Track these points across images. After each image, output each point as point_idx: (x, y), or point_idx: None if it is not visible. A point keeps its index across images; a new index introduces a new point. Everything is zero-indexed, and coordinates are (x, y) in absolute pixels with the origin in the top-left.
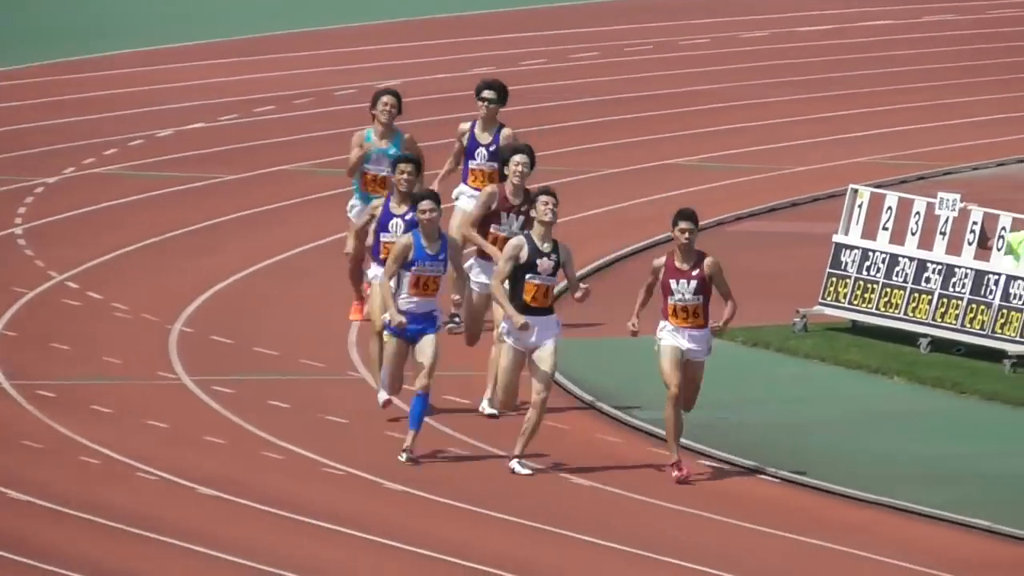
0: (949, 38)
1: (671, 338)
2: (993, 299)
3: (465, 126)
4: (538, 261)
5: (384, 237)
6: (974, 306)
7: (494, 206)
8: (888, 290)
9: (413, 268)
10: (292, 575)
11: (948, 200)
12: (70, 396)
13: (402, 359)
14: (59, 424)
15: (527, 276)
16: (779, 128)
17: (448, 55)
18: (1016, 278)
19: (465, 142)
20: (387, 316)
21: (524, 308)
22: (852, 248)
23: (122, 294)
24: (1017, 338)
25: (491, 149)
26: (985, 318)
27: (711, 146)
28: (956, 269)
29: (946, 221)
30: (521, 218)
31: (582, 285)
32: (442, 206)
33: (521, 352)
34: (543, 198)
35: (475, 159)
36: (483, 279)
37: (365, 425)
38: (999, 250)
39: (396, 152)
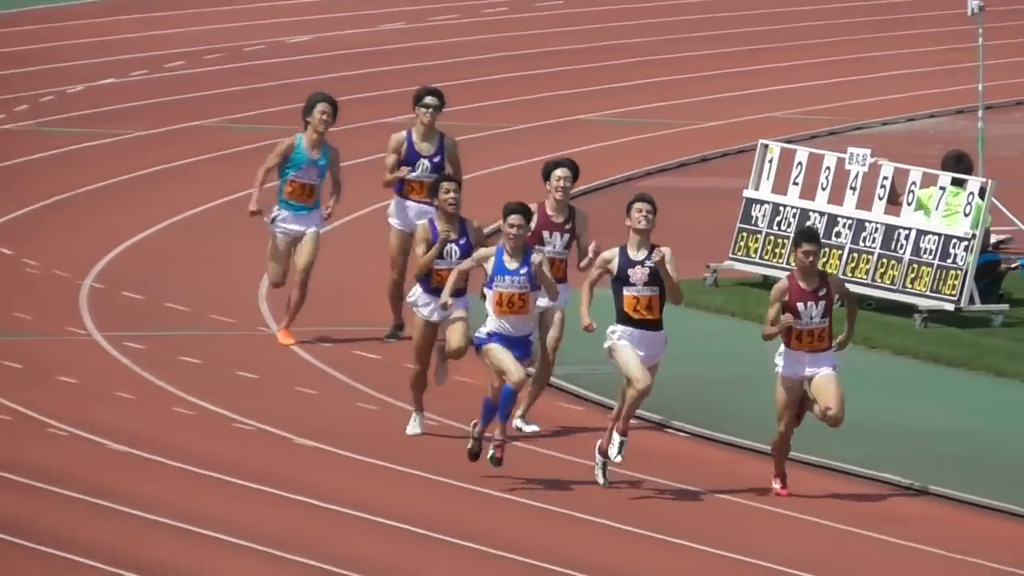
0: None
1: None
2: (904, 254)
3: (400, 136)
4: (630, 271)
5: (439, 265)
6: (885, 261)
7: (533, 224)
8: None
9: (493, 284)
10: (200, 530)
11: (858, 155)
12: None
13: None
14: None
15: (623, 289)
16: (689, 83)
17: (358, 10)
18: (926, 233)
19: (403, 153)
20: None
21: (628, 322)
22: (762, 203)
23: (33, 250)
24: (928, 293)
25: (435, 160)
26: (896, 273)
27: (620, 102)
28: (867, 224)
29: (856, 176)
30: (566, 236)
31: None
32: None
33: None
34: (638, 205)
35: (415, 171)
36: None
37: (275, 381)
38: (909, 205)
39: (326, 164)
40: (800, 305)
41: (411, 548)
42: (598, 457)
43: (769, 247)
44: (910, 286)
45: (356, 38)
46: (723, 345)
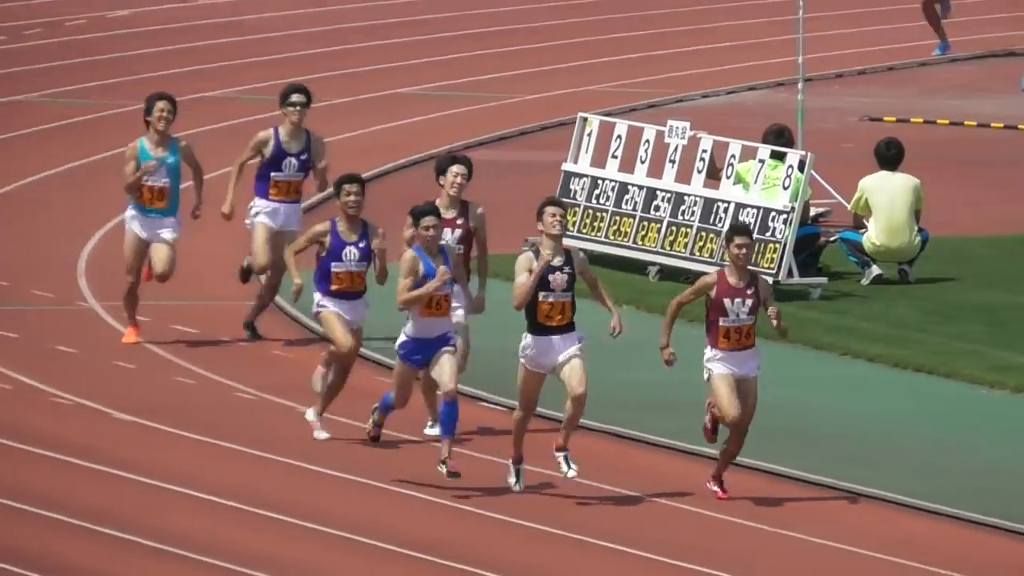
0: None
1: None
2: (723, 227)
3: (266, 134)
4: (550, 276)
5: (336, 267)
6: (703, 234)
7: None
8: (617, 218)
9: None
10: (16, 504)
11: (678, 128)
12: None
13: (411, 382)
14: None
15: (540, 294)
16: (509, 56)
17: None
18: (746, 206)
19: (268, 152)
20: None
21: (541, 328)
22: (581, 176)
23: None
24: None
25: (302, 158)
26: (714, 246)
27: (439, 75)
28: (685, 197)
29: (676, 149)
30: (458, 231)
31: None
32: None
33: (540, 374)
34: (550, 209)
35: (282, 170)
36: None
37: (94, 355)
38: (728, 178)
39: (175, 161)
40: (727, 301)
41: (229, 521)
42: (557, 456)
43: (588, 220)
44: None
45: (175, 13)
46: None
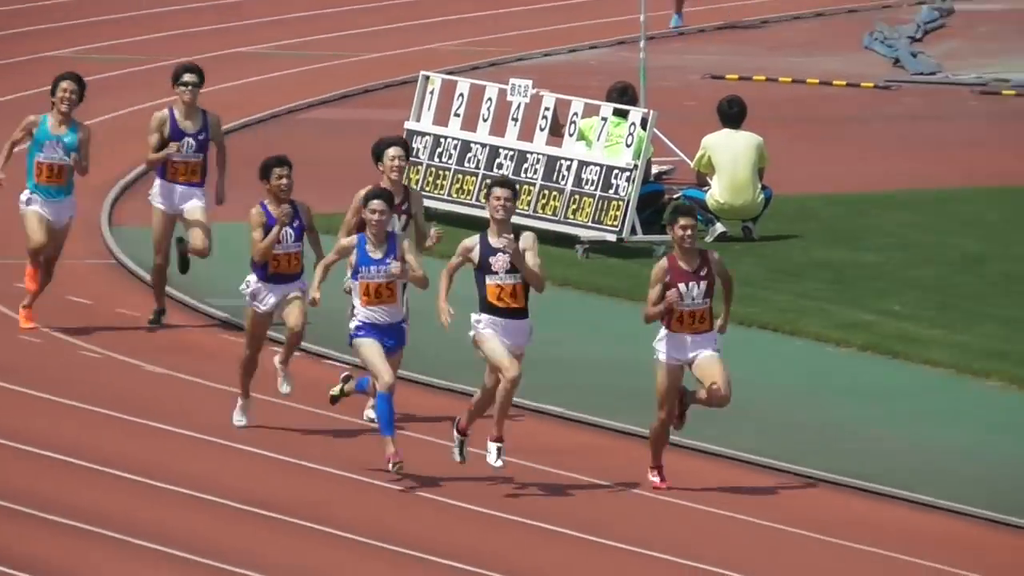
0: None
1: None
2: (565, 185)
3: (162, 114)
4: (492, 260)
5: (276, 249)
6: (546, 192)
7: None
8: (460, 176)
9: (359, 275)
10: None
11: (520, 86)
12: None
13: (383, 357)
14: None
15: (486, 277)
16: (351, 15)
17: None
18: (588, 164)
19: (166, 132)
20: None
21: (493, 311)
22: (424, 135)
23: None
24: (590, 224)
25: (200, 138)
26: (557, 204)
27: (281, 33)
28: (528, 155)
29: (518, 107)
30: (403, 218)
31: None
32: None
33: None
34: (496, 192)
35: (179, 151)
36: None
37: None
38: (571, 136)
39: (73, 140)
40: (681, 286)
41: (75, 479)
42: (456, 436)
43: (431, 179)
44: (572, 217)
45: None
46: None
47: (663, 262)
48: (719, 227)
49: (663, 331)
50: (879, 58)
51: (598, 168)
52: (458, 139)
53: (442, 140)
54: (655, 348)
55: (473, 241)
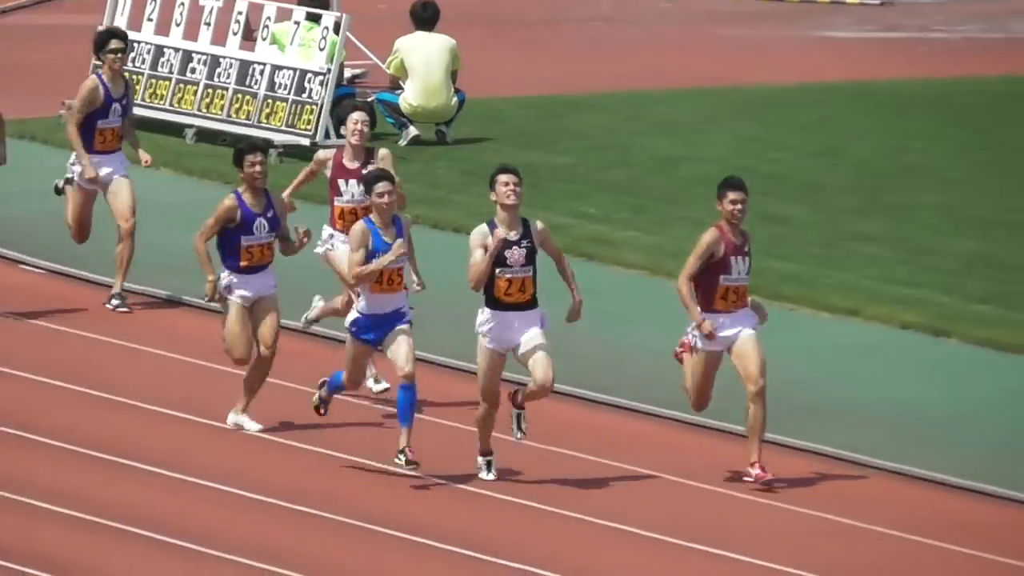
0: None
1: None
2: (259, 89)
3: (93, 82)
4: (506, 252)
5: (247, 241)
6: (239, 96)
7: (328, 172)
8: (153, 81)
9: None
10: None
11: None
12: None
13: (365, 362)
14: None
15: (496, 271)
16: None
17: None
18: (281, 68)
19: (99, 101)
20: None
21: (499, 306)
22: None
23: None
24: (283, 128)
25: (124, 103)
26: (251, 108)
27: None
28: (221, 60)
29: (211, 12)
30: (363, 185)
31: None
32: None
33: (501, 354)
34: (503, 178)
35: (107, 117)
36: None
37: None
38: (264, 40)
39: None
40: (733, 260)
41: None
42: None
43: None
44: (266, 121)
45: None
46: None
47: (715, 233)
48: (412, 130)
49: (700, 313)
50: None
51: (291, 72)
52: (151, 44)
53: (136, 45)
54: (692, 334)
55: (483, 232)
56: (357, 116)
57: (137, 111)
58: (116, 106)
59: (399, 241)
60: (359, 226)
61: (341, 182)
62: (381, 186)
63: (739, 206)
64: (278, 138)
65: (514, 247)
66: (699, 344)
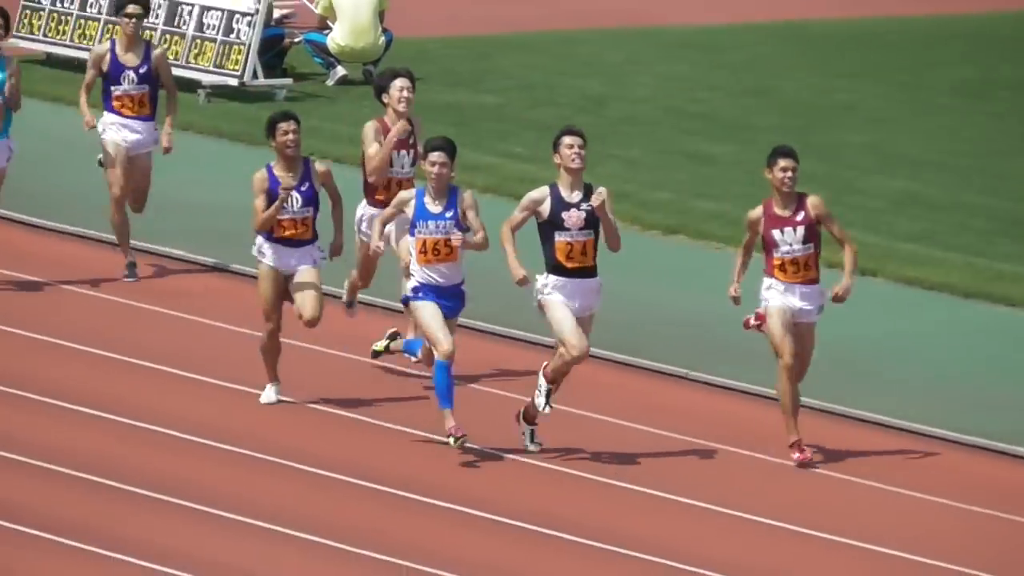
0: None
1: (779, 297)
2: (187, 29)
3: (102, 48)
4: (564, 215)
5: (281, 215)
6: (168, 37)
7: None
8: (82, 22)
9: (415, 231)
10: None
11: None
12: None
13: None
14: None
15: (556, 234)
16: None
17: None
18: (210, 8)
19: (106, 67)
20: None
21: (561, 271)
22: None
23: None
24: (212, 68)
25: (141, 71)
26: (180, 48)
27: None
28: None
29: None
30: (412, 152)
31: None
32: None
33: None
34: (568, 140)
35: (121, 84)
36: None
37: None
38: None
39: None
40: (776, 232)
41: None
42: (523, 426)
43: (53, 24)
44: (194, 61)
45: None
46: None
47: (757, 210)
48: (340, 70)
49: (768, 280)
50: None
51: (220, 13)
52: None
53: None
54: (763, 297)
55: (543, 193)
56: (400, 83)
57: (66, 51)
58: (130, 73)
59: (459, 235)
60: (411, 191)
61: (392, 154)
62: (436, 155)
63: (789, 174)
64: (206, 79)
65: (572, 209)
66: (770, 304)
